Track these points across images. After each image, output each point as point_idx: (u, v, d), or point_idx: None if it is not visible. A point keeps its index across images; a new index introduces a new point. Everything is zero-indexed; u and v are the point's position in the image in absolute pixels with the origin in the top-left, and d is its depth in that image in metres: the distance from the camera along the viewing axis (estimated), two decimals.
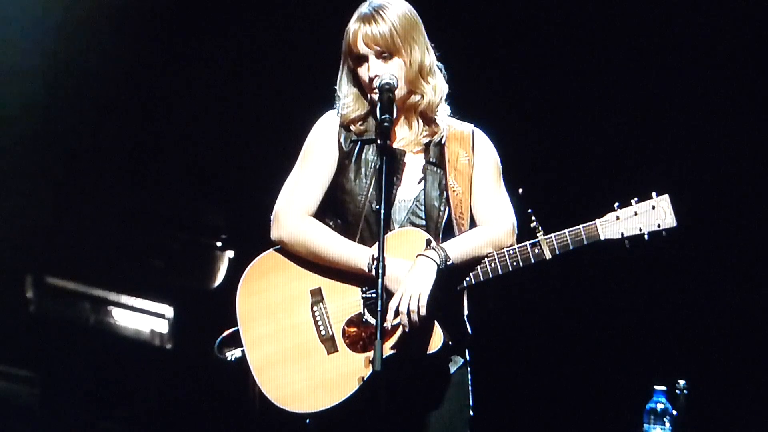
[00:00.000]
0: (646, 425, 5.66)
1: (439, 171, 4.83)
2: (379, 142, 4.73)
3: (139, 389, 7.97)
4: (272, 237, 4.83)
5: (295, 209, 4.81)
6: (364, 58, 4.77)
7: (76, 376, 7.82)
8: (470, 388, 4.86)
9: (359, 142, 4.85)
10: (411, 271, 4.63)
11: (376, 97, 4.74)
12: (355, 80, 4.84)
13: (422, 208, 4.80)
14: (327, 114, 4.93)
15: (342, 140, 4.86)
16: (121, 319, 8.06)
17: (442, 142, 4.85)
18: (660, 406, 5.65)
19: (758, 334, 7.05)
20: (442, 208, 4.80)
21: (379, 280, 4.48)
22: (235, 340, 4.81)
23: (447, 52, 4.89)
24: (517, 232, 4.81)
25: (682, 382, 5.72)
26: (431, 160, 4.84)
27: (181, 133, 7.75)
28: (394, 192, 4.79)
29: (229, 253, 8.03)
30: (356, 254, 4.71)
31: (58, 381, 7.85)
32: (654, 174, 7.04)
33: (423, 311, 4.58)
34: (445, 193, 4.80)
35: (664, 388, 5.67)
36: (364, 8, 4.80)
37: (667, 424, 5.63)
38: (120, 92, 7.69)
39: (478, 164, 4.86)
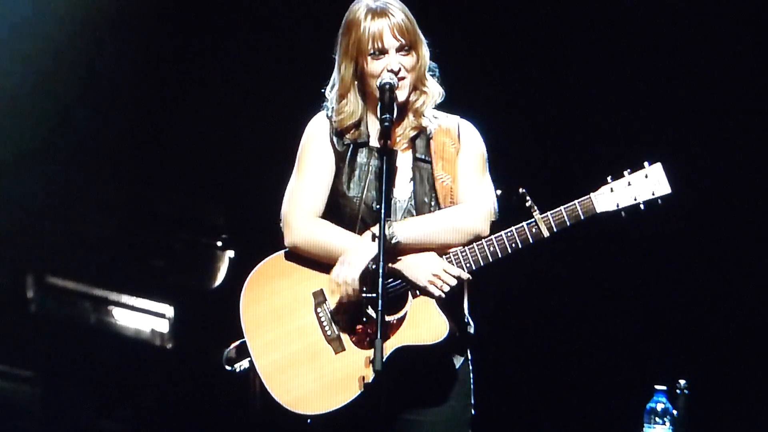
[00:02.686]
0: (646, 425, 5.65)
1: (426, 166, 4.81)
2: (379, 143, 4.71)
3: (139, 389, 7.96)
4: (286, 243, 4.81)
5: (303, 212, 4.80)
6: (383, 53, 4.72)
7: (76, 376, 7.81)
8: (472, 387, 4.87)
9: (351, 145, 4.84)
10: (410, 258, 4.68)
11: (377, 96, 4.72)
12: (358, 82, 4.81)
13: (414, 205, 4.80)
14: (317, 117, 4.90)
15: (335, 143, 4.85)
16: (121, 319, 8.05)
17: (429, 135, 4.83)
18: (660, 406, 5.65)
19: (758, 333, 7.05)
20: (432, 203, 4.79)
21: (380, 280, 4.47)
22: (241, 352, 4.80)
23: (434, 41, 4.87)
24: (496, 218, 4.78)
25: (682, 382, 5.71)
26: (418, 156, 4.82)
27: (181, 132, 7.75)
28: (391, 193, 4.78)
29: (230, 253, 8.02)
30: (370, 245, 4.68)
31: (59, 381, 7.84)
32: (644, 145, 7.01)
33: (457, 272, 4.64)
34: (433, 186, 4.79)
35: (664, 387, 5.66)
36: (371, 4, 4.74)
37: (668, 424, 5.63)
38: (120, 91, 7.68)
39: (464, 151, 4.84)
